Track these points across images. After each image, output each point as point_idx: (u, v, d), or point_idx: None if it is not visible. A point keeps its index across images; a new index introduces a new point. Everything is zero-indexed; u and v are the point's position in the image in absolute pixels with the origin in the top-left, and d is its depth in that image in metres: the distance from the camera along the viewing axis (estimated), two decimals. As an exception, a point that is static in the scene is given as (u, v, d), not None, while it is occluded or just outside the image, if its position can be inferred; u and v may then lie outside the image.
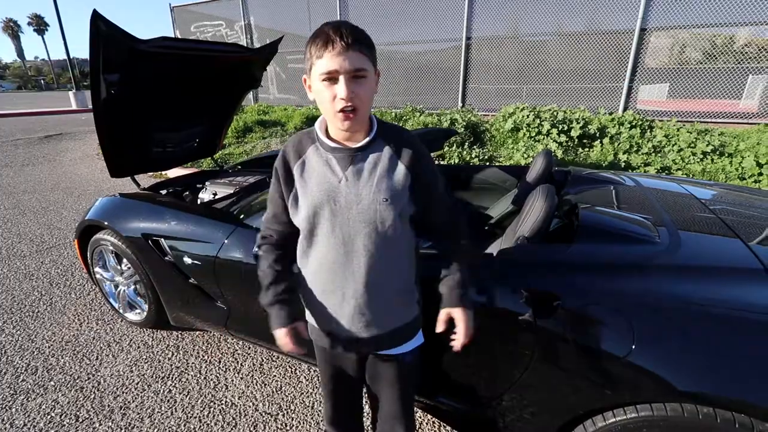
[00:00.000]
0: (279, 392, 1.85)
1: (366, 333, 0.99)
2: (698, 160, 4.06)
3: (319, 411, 1.74)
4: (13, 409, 1.76)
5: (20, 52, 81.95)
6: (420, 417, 1.70)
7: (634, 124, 4.77)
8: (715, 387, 0.93)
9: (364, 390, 1.20)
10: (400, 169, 0.92)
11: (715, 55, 4.87)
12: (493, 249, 1.69)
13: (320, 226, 0.93)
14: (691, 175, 3.89)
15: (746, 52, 4.71)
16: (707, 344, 0.98)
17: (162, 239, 1.91)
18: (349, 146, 0.92)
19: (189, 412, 1.73)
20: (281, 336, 1.00)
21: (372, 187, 0.90)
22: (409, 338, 1.06)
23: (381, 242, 0.92)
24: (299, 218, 0.96)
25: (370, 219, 0.90)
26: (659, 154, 4.29)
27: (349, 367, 1.10)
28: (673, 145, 4.30)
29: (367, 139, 0.92)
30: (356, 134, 0.91)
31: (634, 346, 1.01)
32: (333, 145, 0.93)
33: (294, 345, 1.00)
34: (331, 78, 0.81)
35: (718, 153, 4.10)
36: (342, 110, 0.83)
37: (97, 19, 1.62)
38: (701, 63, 4.95)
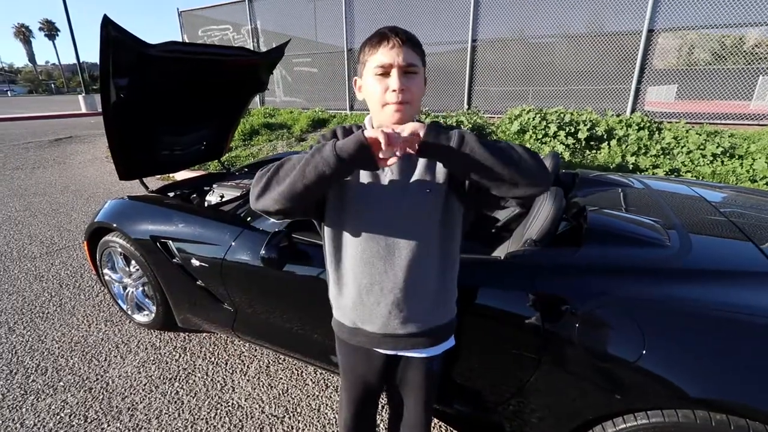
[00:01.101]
0: (285, 394, 1.85)
1: (402, 330, 0.96)
2: (708, 162, 4.02)
3: (325, 414, 1.73)
4: (24, 409, 1.78)
5: (31, 57, 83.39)
6: (426, 421, 1.69)
7: (642, 125, 4.73)
8: (729, 393, 0.92)
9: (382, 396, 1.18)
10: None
11: (724, 56, 4.81)
12: (501, 252, 1.68)
13: (360, 219, 0.92)
14: (700, 178, 3.84)
15: (756, 53, 4.65)
16: (720, 349, 0.96)
17: (170, 241, 1.92)
18: None
19: (196, 414, 1.74)
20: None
21: (416, 179, 0.92)
22: (444, 340, 1.03)
23: (424, 235, 0.93)
24: (338, 211, 0.94)
25: (415, 211, 0.92)
26: (668, 156, 4.25)
27: (374, 373, 1.06)
28: (682, 147, 4.26)
29: None
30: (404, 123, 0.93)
31: (644, 351, 1.00)
32: None
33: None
34: (385, 72, 0.85)
35: (728, 155, 4.05)
36: (393, 102, 0.85)
37: (107, 24, 1.65)
38: (710, 64, 4.90)
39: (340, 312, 1.05)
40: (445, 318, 1.01)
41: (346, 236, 0.96)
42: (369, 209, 0.92)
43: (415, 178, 0.92)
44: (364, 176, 0.93)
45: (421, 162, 0.93)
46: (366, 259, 0.93)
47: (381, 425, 1.63)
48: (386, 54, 0.84)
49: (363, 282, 0.95)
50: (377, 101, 0.87)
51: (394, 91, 0.84)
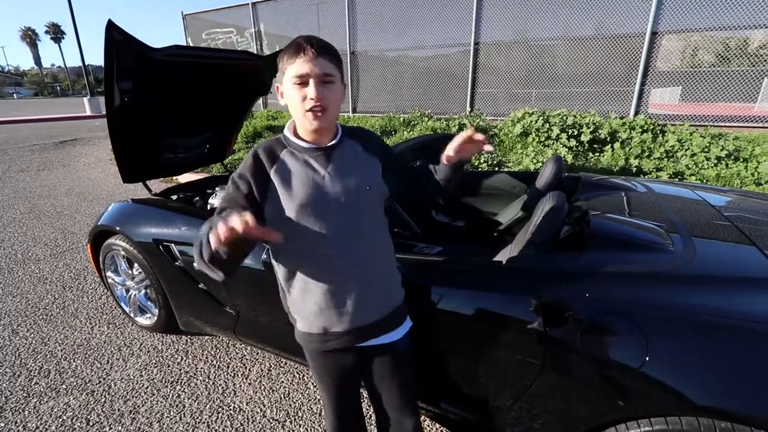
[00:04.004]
0: (287, 398, 1.84)
1: (368, 320, 1.03)
2: (712, 165, 3.99)
3: (327, 418, 1.73)
4: (26, 412, 1.78)
5: (37, 60, 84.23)
6: (428, 426, 1.69)
7: (645, 128, 4.71)
8: (734, 401, 0.91)
9: (364, 398, 1.20)
10: (372, 158, 1.06)
11: (728, 58, 4.79)
12: (503, 256, 1.67)
13: (311, 225, 0.96)
14: (705, 181, 3.82)
15: (761, 54, 4.63)
16: (724, 357, 0.95)
17: (172, 244, 1.93)
18: (322, 145, 1.00)
19: (197, 418, 1.74)
20: (238, 218, 0.69)
21: (354, 177, 0.99)
22: (402, 320, 1.12)
23: (370, 228, 1.02)
24: (287, 223, 0.97)
25: (359, 207, 0.99)
26: (672, 159, 4.22)
27: (349, 371, 1.10)
28: (686, 150, 4.23)
29: (337, 138, 1.03)
30: (326, 136, 1.00)
31: (647, 358, 0.99)
32: (307, 146, 1.00)
33: (254, 224, 0.70)
34: (303, 81, 0.89)
35: (732, 158, 4.02)
36: (311, 109, 0.90)
37: (111, 28, 1.66)
38: (714, 66, 4.88)
39: (305, 322, 1.07)
40: (398, 299, 1.12)
41: (301, 246, 0.99)
42: (317, 214, 0.96)
43: (354, 178, 0.99)
44: (306, 183, 0.96)
45: (357, 160, 1.02)
46: (324, 263, 0.98)
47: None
48: (303, 65, 0.88)
49: (326, 285, 0.99)
50: (298, 109, 0.92)
51: (312, 99, 0.89)
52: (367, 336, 1.05)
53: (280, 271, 1.06)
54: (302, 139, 1.00)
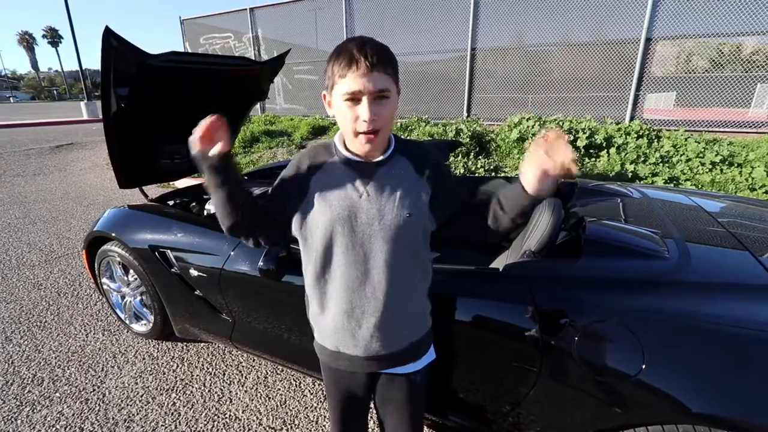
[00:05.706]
0: (283, 406, 1.83)
1: (385, 351, 0.96)
2: (707, 170, 4.02)
3: (324, 426, 1.72)
4: (19, 421, 1.76)
5: (34, 64, 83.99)
6: (425, 433, 1.68)
7: (641, 133, 4.74)
8: (730, 409, 0.91)
9: (371, 411, 1.17)
10: (421, 182, 0.93)
11: (722, 64, 4.84)
12: (499, 263, 1.68)
13: (338, 243, 0.90)
14: (700, 186, 3.84)
15: (754, 60, 4.68)
16: (720, 364, 0.95)
17: (168, 251, 1.92)
18: (369, 161, 0.92)
19: (193, 426, 1.72)
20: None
21: (394, 202, 0.89)
22: (423, 353, 1.04)
23: (401, 258, 0.91)
24: (316, 235, 0.93)
25: (392, 235, 0.89)
26: (667, 164, 4.25)
27: (359, 390, 1.06)
28: (681, 155, 4.26)
29: (387, 153, 0.93)
30: (376, 151, 0.92)
31: (644, 366, 0.99)
32: (353, 158, 0.92)
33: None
34: (354, 98, 0.81)
35: (727, 163, 4.05)
36: (364, 132, 0.83)
37: (108, 35, 1.66)
38: (708, 71, 4.93)
39: (321, 335, 1.03)
40: (422, 331, 1.02)
41: (325, 262, 0.93)
42: (345, 234, 0.89)
43: (394, 203, 0.90)
44: (341, 199, 0.90)
45: (402, 184, 0.92)
46: (346, 284, 0.92)
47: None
48: (356, 80, 0.79)
49: (344, 306, 0.93)
50: (349, 128, 0.85)
51: (364, 121, 0.81)
52: (382, 365, 0.99)
53: (306, 278, 1.01)
54: (349, 151, 0.93)
